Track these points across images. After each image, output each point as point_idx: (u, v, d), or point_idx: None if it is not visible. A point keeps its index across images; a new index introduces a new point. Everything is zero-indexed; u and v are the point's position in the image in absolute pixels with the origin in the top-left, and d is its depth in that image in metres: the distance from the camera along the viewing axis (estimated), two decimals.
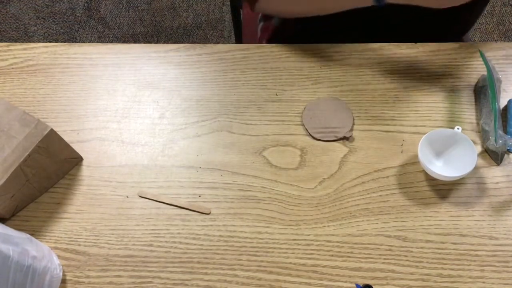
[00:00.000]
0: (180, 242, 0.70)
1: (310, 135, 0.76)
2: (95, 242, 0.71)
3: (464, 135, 0.71)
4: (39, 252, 0.64)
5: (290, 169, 0.75)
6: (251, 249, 0.69)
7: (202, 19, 1.86)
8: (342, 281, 0.66)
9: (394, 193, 0.72)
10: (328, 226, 0.70)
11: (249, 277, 0.67)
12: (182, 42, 1.01)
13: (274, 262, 0.68)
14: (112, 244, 0.71)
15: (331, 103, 0.78)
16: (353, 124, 0.77)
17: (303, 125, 0.78)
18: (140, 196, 0.74)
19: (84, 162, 0.78)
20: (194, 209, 0.71)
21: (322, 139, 0.76)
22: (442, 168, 0.72)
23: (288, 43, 0.87)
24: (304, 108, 0.78)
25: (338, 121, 0.76)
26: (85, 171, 0.77)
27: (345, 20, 0.88)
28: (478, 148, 0.74)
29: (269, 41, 1.00)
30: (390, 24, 0.82)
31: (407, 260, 0.67)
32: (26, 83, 0.86)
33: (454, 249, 0.67)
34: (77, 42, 1.82)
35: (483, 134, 0.74)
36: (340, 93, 0.81)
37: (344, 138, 0.75)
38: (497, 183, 0.71)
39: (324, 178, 0.74)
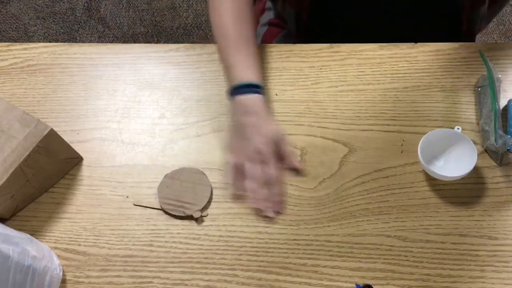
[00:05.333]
0: (180, 242, 0.70)
1: (161, 207, 0.72)
2: (95, 242, 0.71)
3: (464, 135, 0.71)
4: (39, 252, 0.64)
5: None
6: (251, 249, 0.69)
7: (202, 19, 1.86)
8: (342, 281, 0.66)
9: (394, 193, 0.72)
10: (328, 226, 0.70)
11: (249, 277, 0.67)
12: (182, 42, 1.01)
13: (274, 262, 0.68)
14: (112, 244, 0.71)
15: (194, 177, 0.74)
16: (209, 203, 0.72)
17: (302, 125, 0.78)
18: (134, 205, 0.73)
19: (84, 162, 0.78)
20: (184, 216, 0.71)
21: (169, 212, 0.71)
22: (442, 168, 0.72)
23: (288, 43, 0.87)
24: (165, 176, 0.74)
25: (192, 198, 0.72)
26: (85, 171, 0.77)
27: (345, 20, 0.88)
28: (478, 148, 0.74)
29: (269, 41, 0.99)
30: (391, 23, 0.82)
31: (407, 260, 0.67)
32: (26, 83, 0.86)
33: (454, 249, 0.67)
34: (77, 42, 1.82)
35: (483, 134, 0.74)
36: (340, 93, 0.81)
37: (192, 217, 0.71)
38: (497, 183, 0.71)
39: (324, 178, 0.74)
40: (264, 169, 0.69)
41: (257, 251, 0.69)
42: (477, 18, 0.86)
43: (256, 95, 0.73)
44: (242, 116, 0.72)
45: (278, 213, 0.70)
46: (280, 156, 0.71)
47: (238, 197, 0.70)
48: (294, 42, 0.87)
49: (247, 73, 0.74)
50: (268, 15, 1.03)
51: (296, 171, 0.73)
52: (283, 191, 0.71)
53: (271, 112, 0.78)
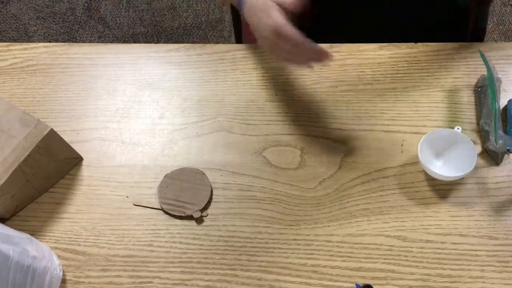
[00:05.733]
0: (180, 242, 0.70)
1: (160, 207, 0.72)
2: (95, 242, 0.71)
3: (464, 135, 0.71)
4: (39, 252, 0.64)
5: (290, 169, 0.75)
6: (251, 249, 0.69)
7: (202, 19, 1.86)
8: (342, 281, 0.66)
9: (394, 193, 0.72)
10: (328, 226, 0.70)
11: (249, 277, 0.67)
12: (182, 42, 1.01)
13: (274, 262, 0.68)
14: (112, 244, 0.71)
15: (194, 176, 0.73)
16: (209, 203, 0.72)
17: (302, 125, 0.78)
18: (134, 205, 0.73)
19: (84, 162, 0.78)
20: (183, 215, 0.71)
21: (169, 212, 0.72)
22: (442, 168, 0.72)
23: None
24: (165, 176, 0.74)
25: (192, 197, 0.72)
26: (85, 171, 0.77)
27: (345, 20, 0.88)
28: (478, 148, 0.74)
29: None
30: (391, 24, 0.82)
31: (407, 260, 0.67)
32: (26, 83, 0.86)
33: (454, 249, 0.67)
34: (77, 42, 1.82)
35: (483, 134, 0.74)
36: (340, 93, 0.81)
37: (191, 217, 0.71)
38: (497, 183, 0.71)
39: (324, 178, 0.74)
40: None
41: (257, 251, 0.69)
42: (485, 16, 0.85)
43: None
44: (257, 14, 0.69)
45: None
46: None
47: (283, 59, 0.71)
48: None
49: None
50: None
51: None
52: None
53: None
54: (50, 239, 0.72)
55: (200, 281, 0.67)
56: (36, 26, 1.89)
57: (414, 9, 0.80)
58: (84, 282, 0.68)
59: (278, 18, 0.66)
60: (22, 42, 1.66)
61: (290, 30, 0.65)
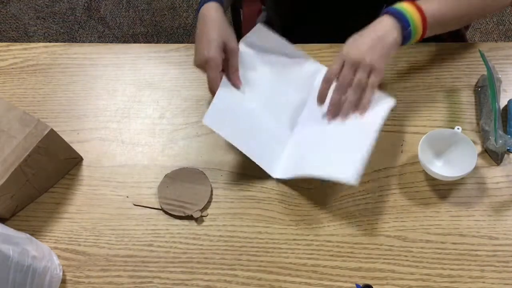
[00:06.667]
0: (180, 242, 0.70)
1: (160, 207, 0.72)
2: (95, 242, 0.71)
3: (464, 135, 0.71)
4: (39, 252, 0.64)
5: None
6: (251, 249, 0.69)
7: None
8: (342, 281, 0.66)
9: (394, 193, 0.72)
10: (328, 226, 0.70)
11: (249, 277, 0.67)
12: (182, 42, 1.01)
13: (274, 262, 0.68)
14: (112, 244, 0.71)
15: (194, 177, 0.73)
16: (209, 203, 0.72)
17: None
18: (134, 205, 0.73)
19: (84, 162, 0.78)
20: (184, 215, 0.71)
21: (169, 212, 0.71)
22: (442, 168, 0.72)
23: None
24: (165, 176, 0.74)
25: (192, 197, 0.71)
26: (85, 171, 0.77)
27: (345, 20, 0.88)
28: (478, 148, 0.74)
29: None
30: None
31: (407, 260, 0.67)
32: (26, 83, 0.86)
33: (454, 249, 0.67)
34: (77, 42, 1.82)
35: (483, 134, 0.74)
36: None
37: (191, 217, 0.71)
38: (497, 183, 0.71)
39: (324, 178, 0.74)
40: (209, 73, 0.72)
41: (257, 251, 0.69)
42: None
43: (210, 2, 0.75)
44: (198, 26, 0.75)
45: None
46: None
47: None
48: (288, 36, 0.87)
49: None
50: (263, 17, 1.04)
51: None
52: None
53: (224, 18, 0.76)
54: (50, 239, 0.72)
55: (200, 281, 0.67)
56: (36, 26, 1.89)
57: None
58: (84, 282, 0.68)
59: (214, 53, 0.71)
60: (22, 42, 1.66)
61: (215, 66, 0.71)
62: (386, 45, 0.68)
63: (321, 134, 0.72)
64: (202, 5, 0.75)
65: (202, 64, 0.73)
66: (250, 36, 0.77)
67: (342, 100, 0.70)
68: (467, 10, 0.75)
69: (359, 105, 0.70)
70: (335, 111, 0.71)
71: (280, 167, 0.73)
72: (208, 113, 0.70)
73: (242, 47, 0.77)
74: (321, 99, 0.72)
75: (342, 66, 0.69)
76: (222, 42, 0.72)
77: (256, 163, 0.72)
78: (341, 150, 0.69)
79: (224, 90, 0.73)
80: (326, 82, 0.70)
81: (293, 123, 0.76)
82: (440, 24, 0.73)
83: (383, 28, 0.69)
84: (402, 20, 0.68)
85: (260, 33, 0.76)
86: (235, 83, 0.75)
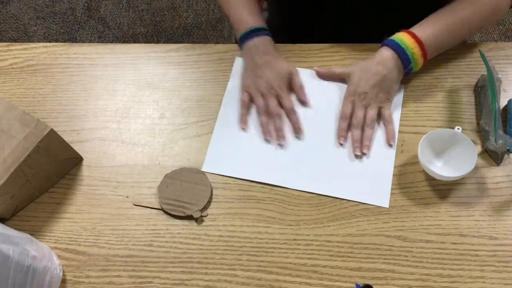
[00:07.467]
0: (180, 242, 0.70)
1: (160, 207, 0.72)
2: (95, 242, 0.71)
3: (464, 135, 0.71)
4: (39, 252, 0.64)
5: None
6: (251, 249, 0.69)
7: (202, 19, 1.86)
8: (342, 281, 0.66)
9: (394, 193, 0.72)
10: (328, 226, 0.70)
11: (249, 277, 0.67)
12: (182, 42, 1.01)
13: (274, 262, 0.68)
14: (112, 244, 0.71)
15: (194, 176, 0.73)
16: (209, 203, 0.72)
17: None
18: (134, 205, 0.73)
19: (84, 162, 0.78)
20: (184, 215, 0.71)
21: (169, 212, 0.71)
22: (442, 168, 0.72)
23: (288, 42, 0.87)
24: (165, 176, 0.74)
25: (192, 197, 0.71)
26: (85, 171, 0.77)
27: (345, 20, 0.88)
28: (478, 148, 0.74)
29: None
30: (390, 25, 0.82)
31: (407, 260, 0.67)
32: (26, 83, 0.86)
33: (454, 249, 0.67)
34: (77, 42, 1.82)
35: (483, 134, 0.74)
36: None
37: (191, 217, 0.71)
38: (497, 183, 0.71)
39: None
40: (277, 102, 0.77)
41: (257, 251, 0.69)
42: None
43: (264, 36, 0.80)
44: (255, 57, 0.78)
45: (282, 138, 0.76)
46: (292, 89, 0.80)
47: (243, 126, 0.78)
48: (288, 36, 0.88)
49: (252, 20, 0.81)
50: (263, 17, 1.04)
51: (304, 103, 0.79)
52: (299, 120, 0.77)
53: (279, 51, 0.82)
54: (50, 239, 0.72)
55: (200, 281, 0.67)
56: (36, 26, 1.89)
57: (415, 9, 0.80)
58: (84, 282, 0.68)
59: (289, 65, 0.78)
60: (22, 42, 1.66)
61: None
62: (390, 82, 0.76)
63: (340, 155, 0.75)
64: (251, 38, 0.79)
65: (264, 90, 0.77)
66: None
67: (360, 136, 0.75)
68: (466, 34, 0.79)
69: (387, 139, 0.75)
70: (358, 146, 0.75)
71: (297, 180, 0.73)
72: (205, 162, 0.75)
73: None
74: (341, 137, 0.75)
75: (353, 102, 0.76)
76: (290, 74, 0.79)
77: (272, 183, 0.73)
78: (367, 175, 0.73)
79: (219, 129, 0.78)
80: (344, 120, 0.76)
81: (293, 139, 0.77)
82: (441, 49, 0.79)
83: (386, 66, 0.75)
84: (404, 60, 0.74)
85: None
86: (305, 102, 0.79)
